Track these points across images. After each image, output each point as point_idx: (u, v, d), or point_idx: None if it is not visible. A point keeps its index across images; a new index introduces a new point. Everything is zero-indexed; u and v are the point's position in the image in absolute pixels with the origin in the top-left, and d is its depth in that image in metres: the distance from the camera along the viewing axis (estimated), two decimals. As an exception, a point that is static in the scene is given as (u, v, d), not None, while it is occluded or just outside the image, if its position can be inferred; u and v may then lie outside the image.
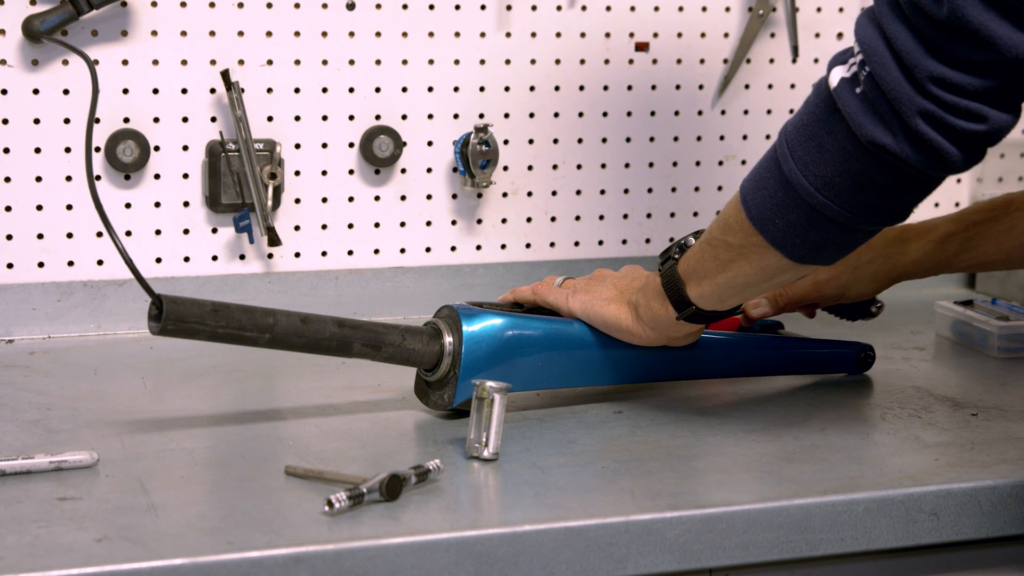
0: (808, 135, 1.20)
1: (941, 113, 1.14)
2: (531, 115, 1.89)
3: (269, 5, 1.78)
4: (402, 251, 1.87)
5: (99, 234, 1.75)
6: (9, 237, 1.72)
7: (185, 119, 1.76)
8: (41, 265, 1.74)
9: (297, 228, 1.82)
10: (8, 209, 1.72)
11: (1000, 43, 1.10)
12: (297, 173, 1.81)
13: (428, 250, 1.88)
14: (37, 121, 1.71)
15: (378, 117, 1.84)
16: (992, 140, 1.16)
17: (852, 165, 1.19)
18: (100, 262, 1.76)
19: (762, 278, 1.30)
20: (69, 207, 1.74)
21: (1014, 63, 1.11)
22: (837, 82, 1.18)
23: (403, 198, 1.86)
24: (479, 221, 1.89)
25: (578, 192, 1.93)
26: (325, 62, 1.81)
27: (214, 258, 1.80)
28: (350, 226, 1.84)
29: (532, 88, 1.89)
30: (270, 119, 1.79)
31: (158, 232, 1.77)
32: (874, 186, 1.19)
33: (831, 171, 1.20)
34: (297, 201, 1.82)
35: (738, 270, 1.30)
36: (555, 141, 1.91)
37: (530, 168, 1.91)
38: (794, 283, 1.56)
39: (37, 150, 1.72)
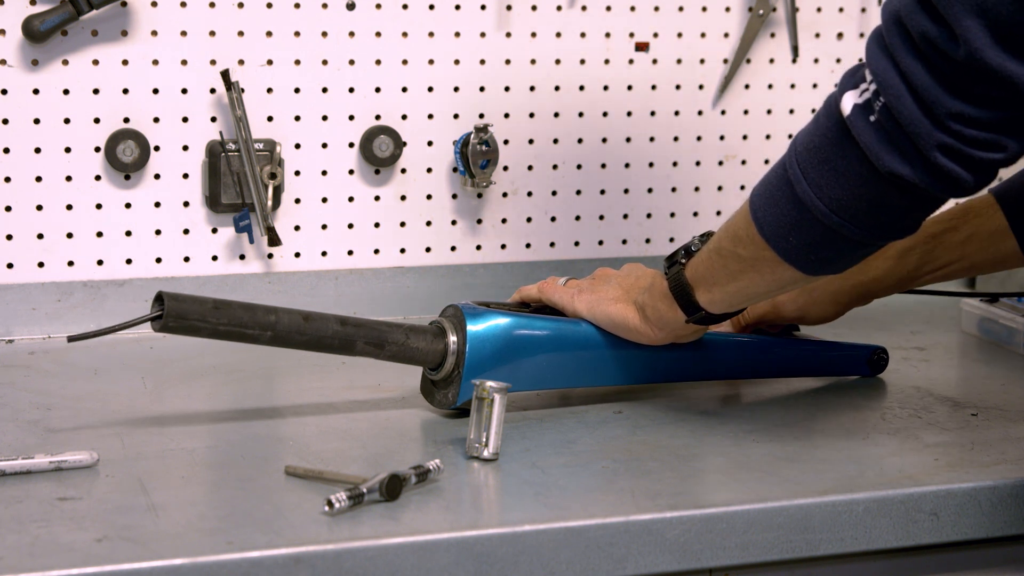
0: (821, 158, 1.20)
1: (960, 146, 1.14)
2: (531, 115, 1.89)
3: (269, 5, 1.78)
4: (402, 251, 1.87)
5: (99, 234, 1.75)
6: (9, 237, 1.72)
7: (185, 119, 1.76)
8: (41, 265, 1.74)
9: (297, 228, 1.82)
10: (8, 209, 1.72)
11: (1019, 81, 1.10)
12: (297, 173, 1.81)
13: (428, 250, 1.88)
14: (37, 121, 1.71)
15: (378, 117, 1.84)
16: (1008, 164, 1.17)
17: (868, 190, 1.19)
18: (100, 262, 1.76)
19: (774, 288, 1.32)
20: (69, 207, 1.74)
21: None
22: (850, 109, 1.17)
23: (403, 198, 1.86)
24: (479, 221, 1.89)
25: (578, 192, 1.93)
26: (325, 62, 1.81)
27: (214, 258, 1.80)
28: (350, 226, 1.84)
29: (532, 88, 1.89)
30: (270, 119, 1.79)
31: (158, 232, 1.77)
32: (889, 208, 1.20)
33: (846, 194, 1.20)
34: (297, 201, 1.82)
35: (749, 280, 1.31)
36: (555, 141, 1.91)
37: (530, 168, 1.91)
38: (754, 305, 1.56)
39: (37, 150, 1.72)
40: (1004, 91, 1.11)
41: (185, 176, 1.78)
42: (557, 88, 1.90)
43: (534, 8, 1.87)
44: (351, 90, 1.82)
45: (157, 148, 1.76)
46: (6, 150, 1.71)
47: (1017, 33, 1.10)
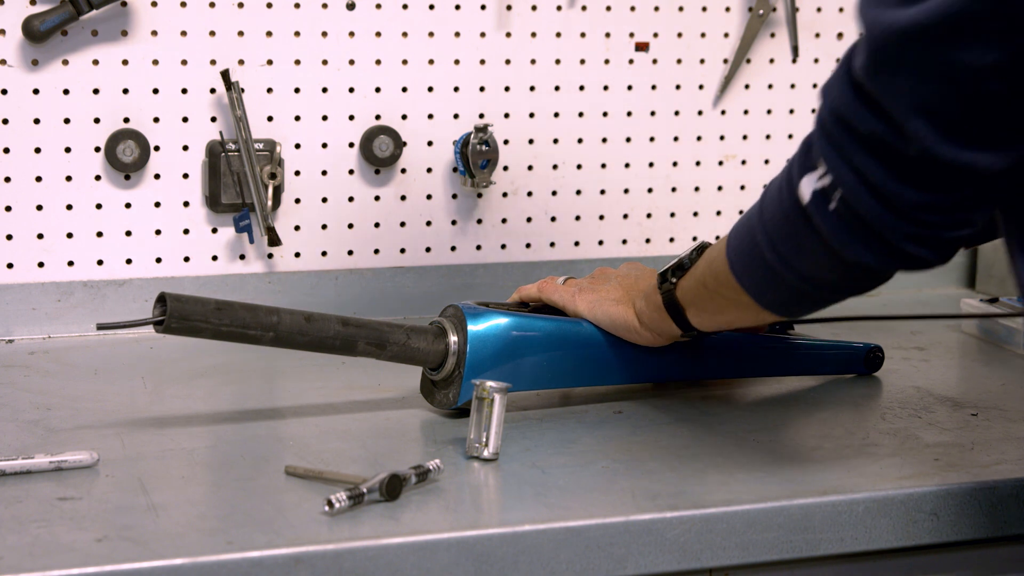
0: (787, 233, 1.19)
1: (928, 233, 1.11)
2: (531, 115, 1.89)
3: (269, 5, 1.78)
4: (402, 251, 1.87)
5: (99, 234, 1.75)
6: (9, 237, 1.72)
7: (185, 119, 1.76)
8: (41, 265, 1.74)
9: (297, 228, 1.82)
10: (8, 209, 1.72)
11: (977, 167, 1.08)
12: (297, 173, 1.81)
13: (428, 250, 1.88)
14: (37, 121, 1.71)
15: (378, 117, 1.84)
16: (974, 237, 1.16)
17: (835, 272, 1.18)
18: (100, 262, 1.76)
19: (757, 321, 1.34)
20: (69, 207, 1.74)
21: (993, 177, 1.09)
22: (809, 196, 1.14)
23: (403, 198, 1.86)
24: (479, 221, 1.89)
25: (578, 192, 1.93)
26: (325, 62, 1.81)
27: (214, 258, 1.80)
28: (350, 226, 1.84)
29: (532, 88, 1.89)
30: (270, 119, 1.79)
31: (158, 232, 1.77)
32: (859, 282, 1.20)
33: (815, 269, 1.19)
34: (297, 201, 1.82)
35: (735, 315, 1.32)
36: (555, 141, 1.91)
37: (530, 168, 1.91)
38: None
39: (37, 150, 1.72)
40: (963, 177, 1.09)
41: (185, 176, 1.77)
42: (557, 88, 1.90)
43: (534, 8, 1.87)
44: (351, 90, 1.82)
45: (157, 148, 1.76)
46: (6, 150, 1.71)
47: (966, 126, 1.07)
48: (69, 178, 1.74)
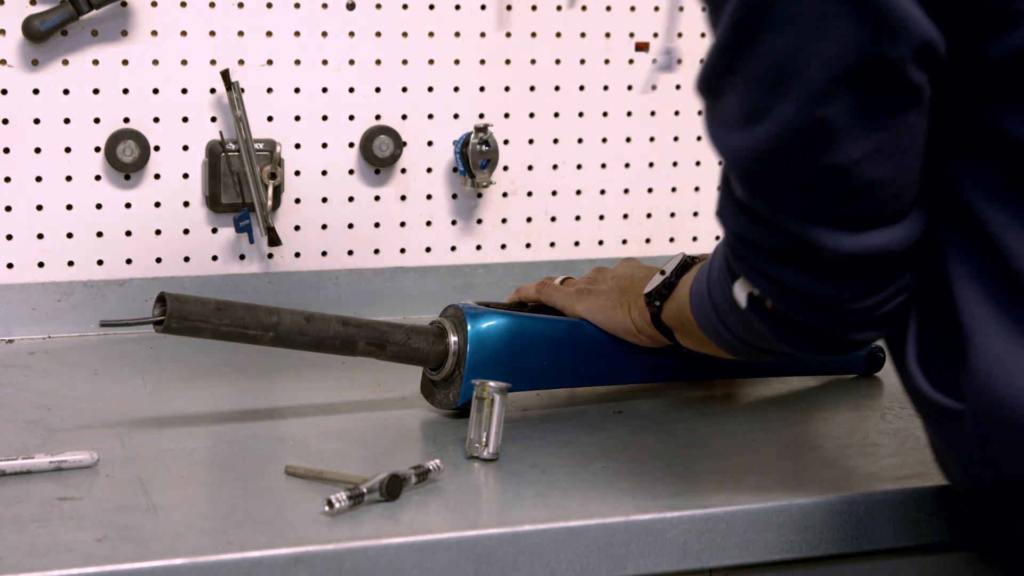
0: (735, 320, 1.19)
1: (869, 315, 1.10)
2: (531, 115, 1.89)
3: (269, 5, 1.78)
4: (402, 251, 1.87)
5: (99, 234, 1.75)
6: (9, 237, 1.72)
7: (185, 119, 1.76)
8: (41, 265, 1.74)
9: (297, 228, 1.82)
10: (8, 209, 1.72)
11: (890, 245, 1.06)
12: (297, 173, 1.81)
13: (428, 250, 1.88)
14: (37, 121, 1.71)
15: (378, 117, 1.84)
16: (911, 295, 1.13)
17: (784, 351, 1.19)
18: (100, 262, 1.76)
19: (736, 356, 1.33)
20: (69, 207, 1.74)
21: (909, 245, 1.08)
22: (745, 301, 1.14)
23: (403, 198, 1.86)
24: (479, 221, 1.89)
25: (578, 192, 1.93)
26: (325, 62, 1.81)
27: (214, 258, 1.80)
28: (350, 226, 1.84)
29: (532, 88, 1.89)
30: (270, 119, 1.79)
31: (158, 232, 1.77)
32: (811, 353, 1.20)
33: (768, 348, 1.20)
34: (297, 201, 1.82)
35: (716, 350, 1.30)
36: (555, 141, 1.91)
37: (530, 168, 1.91)
38: None
39: (37, 150, 1.72)
40: (879, 258, 1.07)
41: (185, 176, 1.77)
42: (557, 88, 1.90)
43: (534, 8, 1.87)
44: (351, 90, 1.82)
45: (157, 148, 1.76)
46: (6, 150, 1.71)
47: (862, 215, 1.05)
48: (69, 178, 1.74)
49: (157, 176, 1.77)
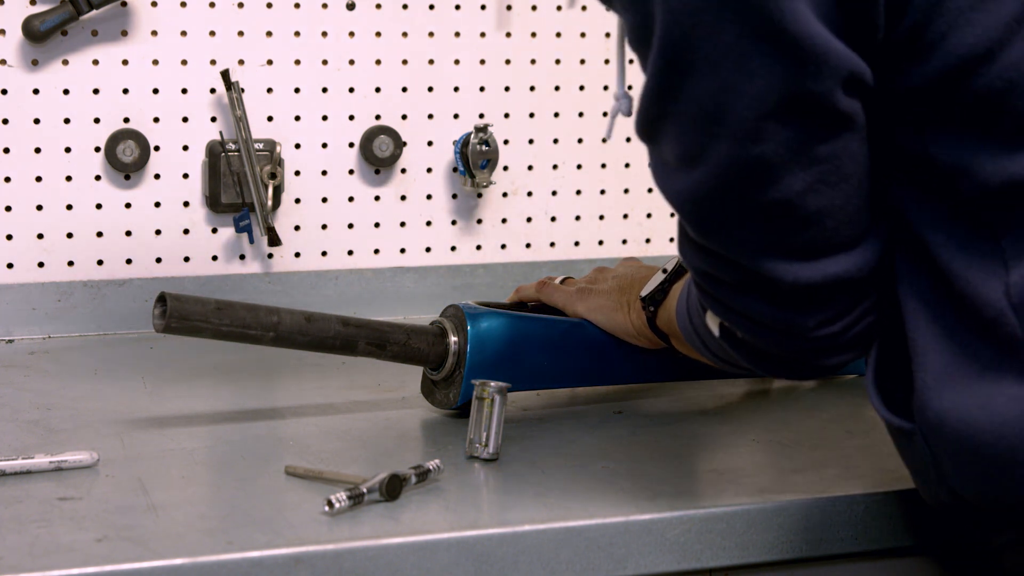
0: (714, 344, 1.19)
1: (837, 339, 1.10)
2: (531, 115, 1.89)
3: (269, 5, 1.78)
4: (402, 251, 1.87)
5: (99, 234, 1.75)
6: (9, 237, 1.72)
7: (185, 119, 1.76)
8: (41, 265, 1.74)
9: (297, 228, 1.82)
10: (8, 209, 1.72)
11: (849, 271, 1.06)
12: (297, 173, 1.81)
13: (428, 250, 1.88)
14: (37, 121, 1.71)
15: (378, 117, 1.84)
16: (880, 314, 1.13)
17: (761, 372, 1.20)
18: (100, 262, 1.76)
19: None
20: (69, 207, 1.74)
21: (869, 269, 1.08)
22: (718, 331, 1.15)
23: (403, 198, 1.86)
24: (479, 221, 1.89)
25: (578, 192, 1.93)
26: (325, 62, 1.81)
27: (214, 258, 1.80)
28: (350, 226, 1.84)
29: (532, 88, 1.89)
30: (270, 119, 1.79)
31: (158, 232, 1.77)
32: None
33: (750, 365, 1.20)
34: (297, 201, 1.82)
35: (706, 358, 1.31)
36: (555, 141, 1.91)
37: (530, 168, 1.91)
38: None
39: (37, 150, 1.72)
40: (840, 284, 1.07)
41: (185, 176, 1.78)
42: (557, 88, 1.90)
43: (534, 8, 1.87)
44: (351, 90, 1.82)
45: (157, 148, 1.76)
46: (6, 150, 1.71)
47: (816, 243, 1.05)
48: (69, 178, 1.74)
49: (157, 176, 1.77)
